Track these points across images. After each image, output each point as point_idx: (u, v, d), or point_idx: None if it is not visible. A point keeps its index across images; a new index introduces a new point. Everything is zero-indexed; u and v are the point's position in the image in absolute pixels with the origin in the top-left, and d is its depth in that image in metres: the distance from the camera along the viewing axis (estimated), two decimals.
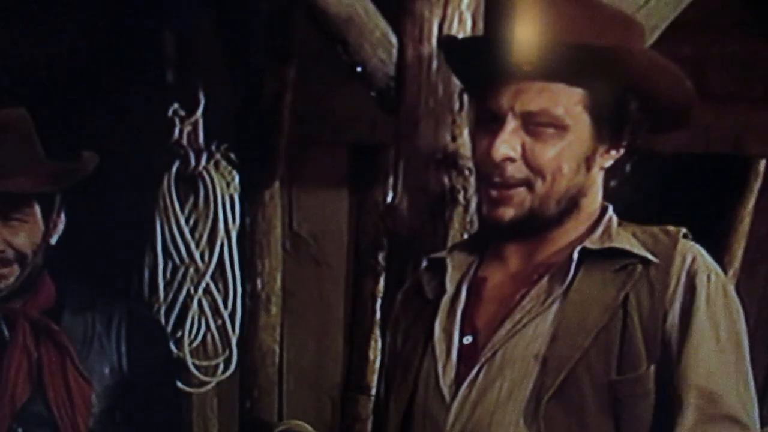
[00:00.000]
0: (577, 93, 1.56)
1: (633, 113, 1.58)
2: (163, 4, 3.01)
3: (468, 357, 1.58)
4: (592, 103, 1.56)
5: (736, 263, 3.83)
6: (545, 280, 1.58)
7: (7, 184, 2.01)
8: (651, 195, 3.37)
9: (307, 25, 2.72)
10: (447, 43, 1.91)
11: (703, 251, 1.58)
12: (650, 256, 1.55)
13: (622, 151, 1.61)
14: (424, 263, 1.73)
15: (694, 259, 1.54)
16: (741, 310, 1.57)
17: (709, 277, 1.54)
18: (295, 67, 3.25)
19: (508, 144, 1.56)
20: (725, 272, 3.67)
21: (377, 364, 3.34)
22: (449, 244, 2.22)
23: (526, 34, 1.59)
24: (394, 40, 2.41)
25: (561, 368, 1.50)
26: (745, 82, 3.56)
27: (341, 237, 3.60)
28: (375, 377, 3.42)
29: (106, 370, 2.12)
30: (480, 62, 1.66)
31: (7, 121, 2.06)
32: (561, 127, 1.55)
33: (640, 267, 1.55)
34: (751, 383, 1.54)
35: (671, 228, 1.61)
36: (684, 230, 1.60)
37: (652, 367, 1.51)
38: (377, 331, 3.46)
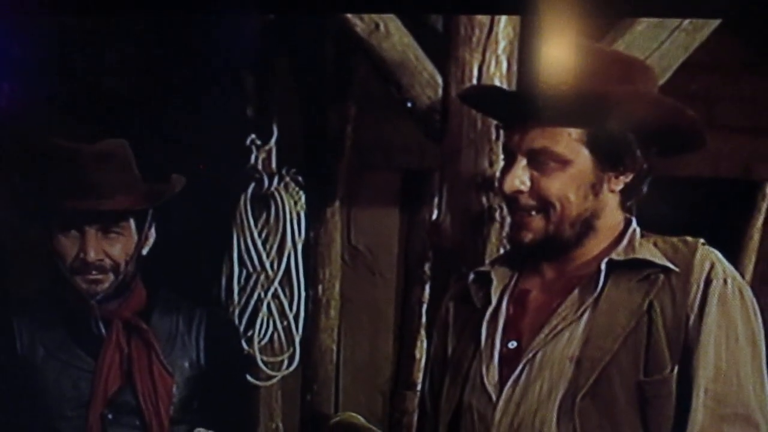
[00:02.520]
0: (575, 132, 1.57)
1: (632, 144, 1.57)
2: (243, 47, 3.04)
3: (510, 360, 1.58)
4: (591, 139, 1.56)
5: (747, 277, 3.76)
6: (577, 290, 1.57)
7: (111, 203, 2.06)
8: (666, 216, 3.34)
9: (366, 68, 2.81)
10: (463, 96, 1.93)
11: (721, 257, 1.56)
12: (671, 265, 1.53)
13: (630, 175, 1.59)
14: (472, 276, 1.72)
15: (712, 266, 1.52)
16: (758, 313, 1.53)
17: (725, 281, 1.51)
18: (356, 103, 3.31)
19: (518, 179, 1.57)
20: None
21: (423, 363, 3.34)
22: (487, 256, 2.27)
23: (526, 84, 1.68)
24: (440, 80, 2.46)
25: (593, 369, 1.50)
26: (752, 114, 3.54)
27: (393, 250, 3.64)
28: (421, 375, 3.41)
29: (186, 364, 2.15)
30: (493, 108, 1.71)
31: (111, 149, 2.11)
32: (563, 162, 1.57)
33: (662, 276, 1.52)
34: (766, 382, 1.51)
35: (690, 238, 1.58)
36: (702, 240, 1.58)
37: (675, 369, 1.50)
38: (423, 333, 3.47)
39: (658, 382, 1.50)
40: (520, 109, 1.61)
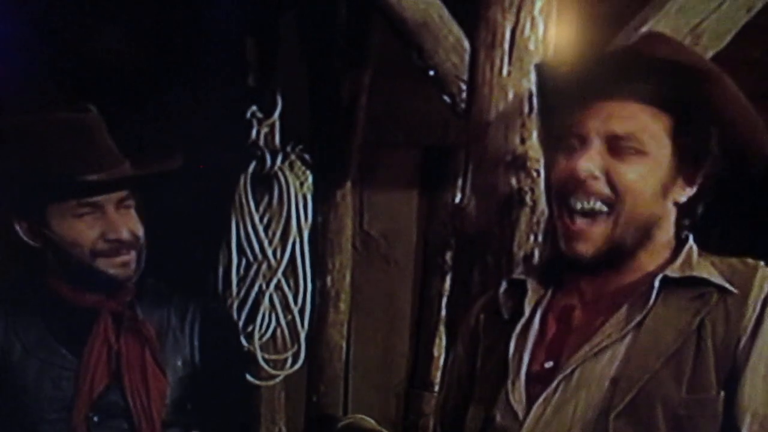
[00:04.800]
0: (664, 119, 1.57)
1: (713, 147, 1.57)
2: (244, 10, 3.04)
3: (543, 377, 1.59)
4: (677, 131, 1.57)
5: None
6: (625, 307, 1.57)
7: (121, 170, 2.05)
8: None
9: (383, 30, 2.76)
10: (541, 68, 1.88)
11: None
12: (728, 285, 1.54)
13: (695, 188, 1.59)
14: (504, 285, 1.71)
15: None
16: None
17: None
18: (371, 71, 3.27)
19: (593, 162, 1.56)
20: None
21: (441, 361, 3.34)
22: (515, 244, 2.21)
23: (623, 56, 1.62)
24: (466, 45, 2.39)
25: (630, 388, 1.51)
26: None
27: (410, 236, 3.61)
28: (439, 374, 3.42)
29: (179, 363, 2.13)
30: (574, 85, 1.66)
31: (93, 119, 2.10)
32: (642, 152, 1.56)
33: (716, 295, 1.54)
34: None
35: (750, 260, 1.58)
36: (763, 262, 1.58)
37: (722, 393, 1.50)
38: (442, 329, 3.45)
39: (700, 402, 1.50)
40: (610, 82, 1.58)
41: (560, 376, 1.56)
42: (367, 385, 3.65)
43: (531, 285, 1.66)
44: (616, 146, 1.56)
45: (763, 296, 1.52)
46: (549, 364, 1.58)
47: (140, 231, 2.08)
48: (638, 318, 1.55)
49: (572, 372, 1.55)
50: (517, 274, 1.72)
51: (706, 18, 2.39)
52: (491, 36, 2.25)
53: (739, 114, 1.59)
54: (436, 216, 3.56)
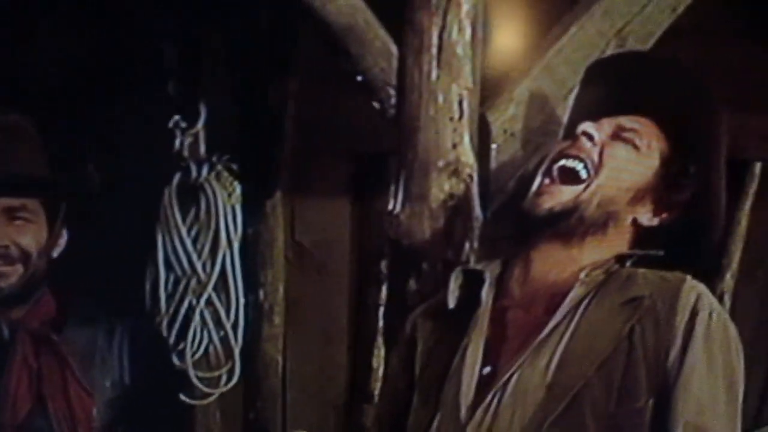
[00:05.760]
0: (664, 143, 1.69)
1: (688, 189, 1.68)
2: (163, 15, 3.00)
3: (485, 383, 1.60)
4: (669, 159, 1.68)
5: (735, 265, 3.84)
6: (560, 310, 1.60)
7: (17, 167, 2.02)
8: None
9: (309, 35, 2.76)
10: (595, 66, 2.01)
11: (707, 290, 1.61)
12: (657, 294, 1.58)
13: (657, 221, 1.67)
14: (456, 274, 1.74)
15: (698, 298, 1.57)
16: (741, 350, 1.59)
17: (711, 315, 1.56)
18: (298, 77, 3.26)
19: (596, 130, 1.67)
20: (723, 275, 3.73)
21: (381, 373, 3.31)
22: (451, 251, 2.21)
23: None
24: (394, 49, 2.40)
25: (564, 395, 1.53)
26: (740, 87, 3.58)
27: (344, 246, 3.59)
28: (379, 385, 3.39)
29: (108, 384, 2.11)
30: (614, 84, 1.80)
31: (15, 122, 2.09)
32: (636, 148, 1.67)
33: (646, 303, 1.57)
34: (739, 418, 1.57)
35: (679, 273, 1.63)
36: (690, 276, 1.64)
37: (651, 401, 1.53)
38: (380, 340, 3.43)
39: (630, 412, 1.53)
40: (632, 95, 1.73)
41: (499, 383, 1.56)
42: (305, 400, 3.62)
43: (488, 275, 1.68)
44: (619, 134, 1.67)
45: (691, 305, 1.56)
46: (486, 370, 1.60)
47: (33, 248, 2.05)
48: (572, 322, 1.57)
49: (510, 378, 1.56)
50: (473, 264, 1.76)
51: (631, 20, 2.46)
52: (418, 40, 2.26)
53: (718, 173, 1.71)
54: (370, 225, 3.55)
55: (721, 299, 3.73)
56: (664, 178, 1.67)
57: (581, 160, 1.65)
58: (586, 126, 1.67)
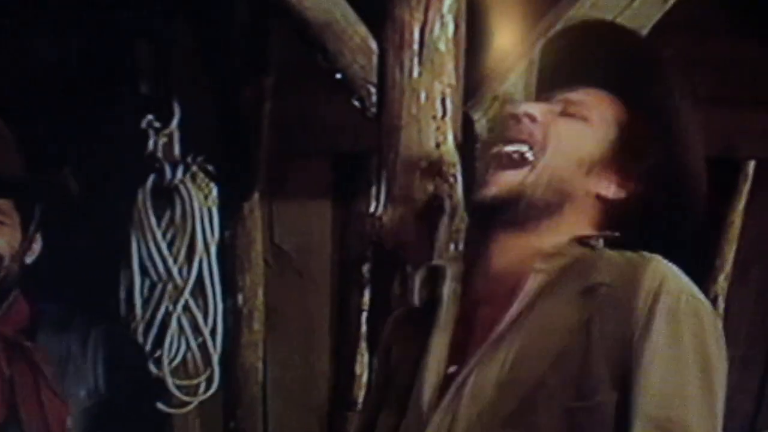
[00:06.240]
0: (619, 109, 1.65)
1: (654, 152, 1.62)
2: (136, 12, 2.99)
3: (448, 382, 1.57)
4: (627, 125, 1.63)
5: (728, 267, 3.86)
6: (516, 302, 1.56)
7: None
8: None
9: (286, 31, 2.73)
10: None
11: (678, 272, 1.54)
12: (618, 279, 1.53)
13: (624, 193, 1.62)
14: (422, 272, 1.71)
15: (662, 282, 1.51)
16: (717, 337, 1.53)
17: (678, 299, 1.50)
18: (274, 75, 3.25)
19: (536, 108, 1.64)
20: (716, 277, 3.74)
21: (364, 379, 3.32)
22: (435, 253, 2.23)
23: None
24: (374, 46, 2.38)
25: (519, 393, 1.50)
26: (732, 84, 3.60)
27: (325, 249, 3.60)
28: (362, 393, 3.41)
29: (83, 393, 2.11)
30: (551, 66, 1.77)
31: None
32: (586, 120, 1.63)
33: (605, 289, 1.52)
34: (719, 407, 1.51)
35: (646, 253, 1.57)
36: (659, 256, 1.57)
37: (615, 394, 1.48)
38: (364, 346, 3.43)
39: (591, 408, 1.47)
40: (575, 68, 1.68)
41: (456, 383, 1.54)
42: (286, 408, 3.62)
43: (450, 271, 1.66)
44: (566, 110, 1.63)
45: (654, 289, 1.50)
46: (452, 369, 1.57)
47: (5, 251, 2.04)
48: (527, 313, 1.54)
49: (467, 377, 1.54)
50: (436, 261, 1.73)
51: (620, 14, 2.44)
52: (399, 36, 2.28)
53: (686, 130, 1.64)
54: (351, 227, 3.55)
55: (714, 301, 3.74)
56: (624, 147, 1.63)
57: (525, 142, 1.62)
58: (527, 107, 1.64)
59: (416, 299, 1.68)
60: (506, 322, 1.54)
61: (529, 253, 1.59)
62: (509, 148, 1.62)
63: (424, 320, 1.65)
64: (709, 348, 1.50)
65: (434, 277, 1.68)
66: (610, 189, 1.62)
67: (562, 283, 1.55)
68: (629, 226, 1.62)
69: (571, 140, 1.61)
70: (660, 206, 1.63)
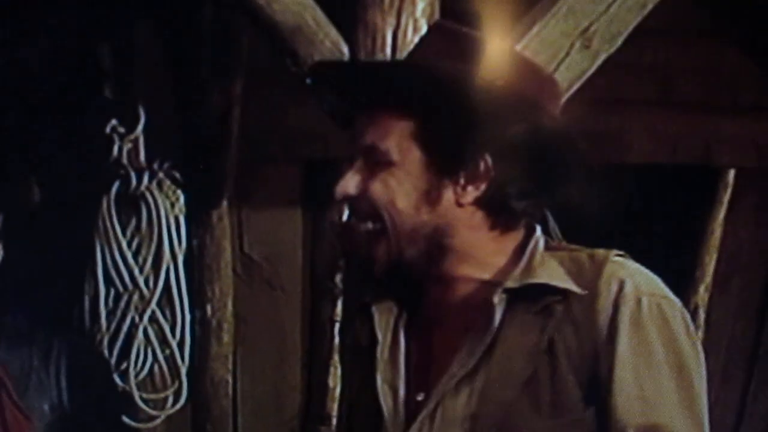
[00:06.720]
0: (408, 127, 1.56)
1: (471, 144, 1.54)
2: (98, 14, 2.99)
3: (415, 414, 1.55)
4: (423, 135, 1.55)
5: (708, 278, 3.85)
6: (474, 327, 1.54)
7: None
8: (616, 208, 3.36)
9: (254, 35, 2.74)
10: (314, 69, 1.90)
11: (637, 270, 1.53)
12: (574, 288, 1.50)
13: (481, 186, 1.55)
14: (355, 310, 1.70)
15: (621, 286, 1.49)
16: (687, 330, 1.52)
17: (639, 302, 1.48)
18: (242, 80, 3.24)
19: (350, 182, 1.58)
20: (696, 288, 3.76)
21: (338, 392, 3.31)
22: None
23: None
24: (345, 50, 2.38)
25: (491, 425, 1.49)
26: (712, 90, 3.62)
27: (296, 259, 3.59)
28: (336, 406, 3.37)
29: (46, 407, 2.14)
30: (339, 89, 1.69)
31: None
32: (388, 162, 1.56)
33: (561, 306, 1.50)
34: (702, 405, 1.50)
35: (599, 252, 1.55)
36: (615, 252, 1.55)
37: (591, 409, 1.48)
38: (336, 358, 3.42)
39: (567, 425, 1.48)
40: (353, 88, 1.62)
41: (423, 414, 1.53)
42: (257, 422, 3.60)
43: (377, 309, 1.61)
44: (368, 161, 1.57)
45: (612, 298, 1.48)
46: (420, 396, 1.55)
47: None
48: (487, 341, 1.52)
49: (435, 409, 1.52)
50: (366, 297, 1.66)
51: (596, 20, 2.43)
52: (371, 40, 2.29)
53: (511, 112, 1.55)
54: (322, 236, 3.54)
55: (695, 312, 3.75)
56: (436, 154, 1.55)
57: (363, 220, 1.58)
58: (339, 188, 1.59)
59: (362, 340, 1.64)
60: (465, 350, 1.53)
61: (472, 286, 1.57)
62: (359, 228, 1.59)
63: (366, 349, 1.63)
64: (681, 345, 1.50)
65: (367, 314, 1.64)
66: (466, 194, 1.56)
67: (516, 306, 1.52)
68: (525, 196, 1.56)
69: (390, 193, 1.55)
70: (526, 159, 1.56)
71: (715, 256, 3.82)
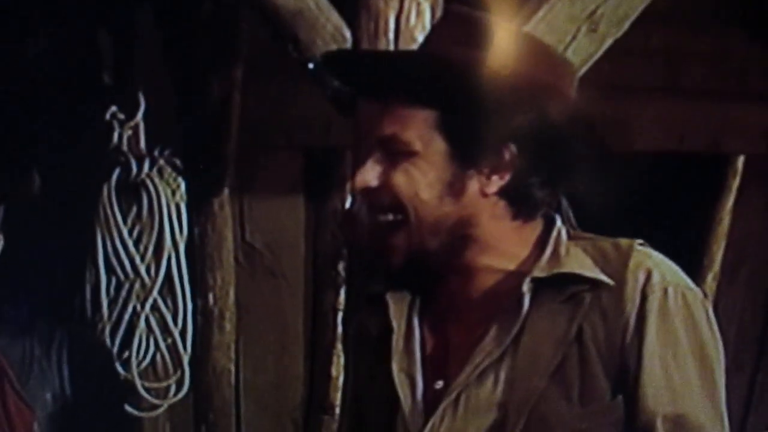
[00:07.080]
0: (431, 115, 1.55)
1: (496, 134, 1.54)
2: (98, 1, 2.99)
3: (435, 401, 1.56)
4: (446, 125, 1.54)
5: (716, 266, 3.85)
6: (499, 317, 1.55)
7: None
8: (623, 197, 3.36)
9: (255, 20, 2.73)
10: (327, 59, 1.85)
11: (661, 260, 1.54)
12: (603, 278, 1.52)
13: (506, 175, 1.55)
14: (365, 298, 1.69)
15: (648, 276, 1.51)
16: (708, 319, 1.53)
17: (666, 291, 1.50)
18: (243, 66, 3.22)
19: (369, 173, 1.56)
20: (704, 276, 3.76)
21: (341, 382, 3.33)
22: None
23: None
24: (348, 35, 2.38)
25: (521, 413, 1.50)
26: (720, 76, 3.60)
27: (298, 247, 3.59)
28: (339, 395, 3.40)
29: (48, 396, 2.13)
30: (353, 79, 1.68)
31: None
32: (411, 152, 1.54)
33: (589, 295, 1.52)
34: (721, 394, 1.53)
35: (623, 241, 1.56)
36: (638, 242, 1.56)
37: (619, 397, 1.50)
38: (339, 347, 3.44)
39: (596, 413, 1.50)
40: (369, 79, 1.60)
41: (445, 403, 1.53)
42: (260, 412, 3.62)
43: (391, 297, 1.61)
44: (388, 151, 1.55)
45: (640, 287, 1.50)
46: (439, 385, 1.56)
47: None
48: (514, 331, 1.53)
49: (458, 397, 1.53)
50: (377, 286, 1.65)
51: (603, 3, 2.41)
52: (374, 24, 2.28)
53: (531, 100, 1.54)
54: (325, 224, 3.55)
55: None
56: (458, 143, 1.54)
57: (383, 211, 1.55)
58: (358, 180, 1.57)
59: (373, 331, 1.64)
60: (490, 337, 1.53)
61: (494, 276, 1.57)
62: (378, 219, 1.57)
63: (382, 346, 1.62)
64: (703, 335, 1.52)
65: (380, 303, 1.63)
66: (490, 184, 1.56)
67: (543, 295, 1.54)
68: (547, 185, 1.57)
69: (414, 184, 1.54)
70: (549, 146, 1.56)
71: (723, 245, 3.81)
